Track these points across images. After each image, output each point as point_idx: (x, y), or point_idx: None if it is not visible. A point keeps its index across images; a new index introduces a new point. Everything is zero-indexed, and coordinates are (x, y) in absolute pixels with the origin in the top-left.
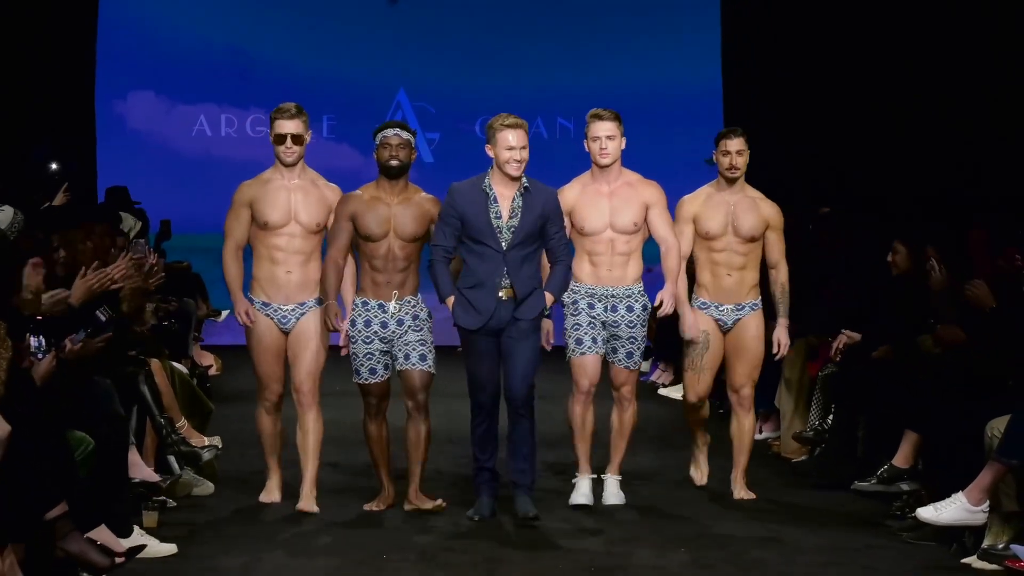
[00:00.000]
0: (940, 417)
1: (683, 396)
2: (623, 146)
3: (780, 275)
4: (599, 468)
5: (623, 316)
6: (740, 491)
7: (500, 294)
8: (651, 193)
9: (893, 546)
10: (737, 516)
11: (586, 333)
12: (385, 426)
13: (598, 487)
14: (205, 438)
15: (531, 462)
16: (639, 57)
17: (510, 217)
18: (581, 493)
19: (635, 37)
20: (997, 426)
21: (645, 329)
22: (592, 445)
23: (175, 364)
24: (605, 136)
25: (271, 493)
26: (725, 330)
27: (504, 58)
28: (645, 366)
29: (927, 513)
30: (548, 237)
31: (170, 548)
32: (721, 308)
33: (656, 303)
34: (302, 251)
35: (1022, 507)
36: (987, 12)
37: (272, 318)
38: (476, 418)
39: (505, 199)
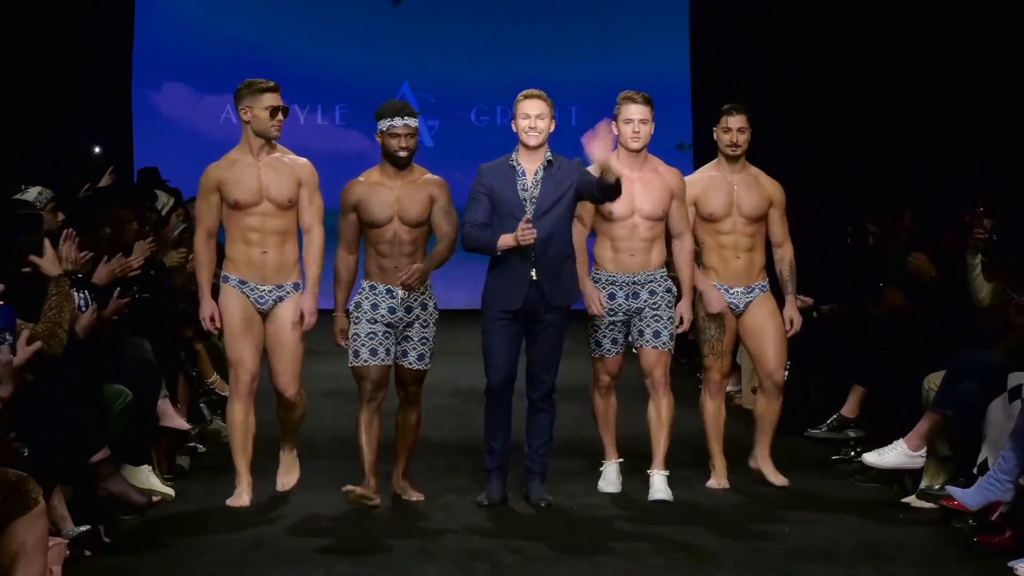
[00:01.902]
0: (883, 372)
1: (705, 380)
2: (652, 131)
3: (786, 253)
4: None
5: (646, 300)
6: (772, 474)
7: (532, 274)
8: (676, 182)
9: (841, 487)
10: (701, 462)
11: (606, 336)
12: (377, 420)
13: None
14: None
15: (548, 453)
16: (616, 47)
17: (532, 195)
18: (608, 481)
19: (611, 30)
20: (933, 380)
21: (672, 311)
22: (616, 431)
23: None
24: (639, 119)
25: (239, 497)
26: (736, 313)
27: (494, 53)
28: None
29: (871, 457)
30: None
31: (169, 491)
32: (732, 291)
33: (676, 320)
34: (277, 231)
35: (955, 452)
36: (987, 11)
37: (249, 297)
38: (489, 401)
39: (530, 173)
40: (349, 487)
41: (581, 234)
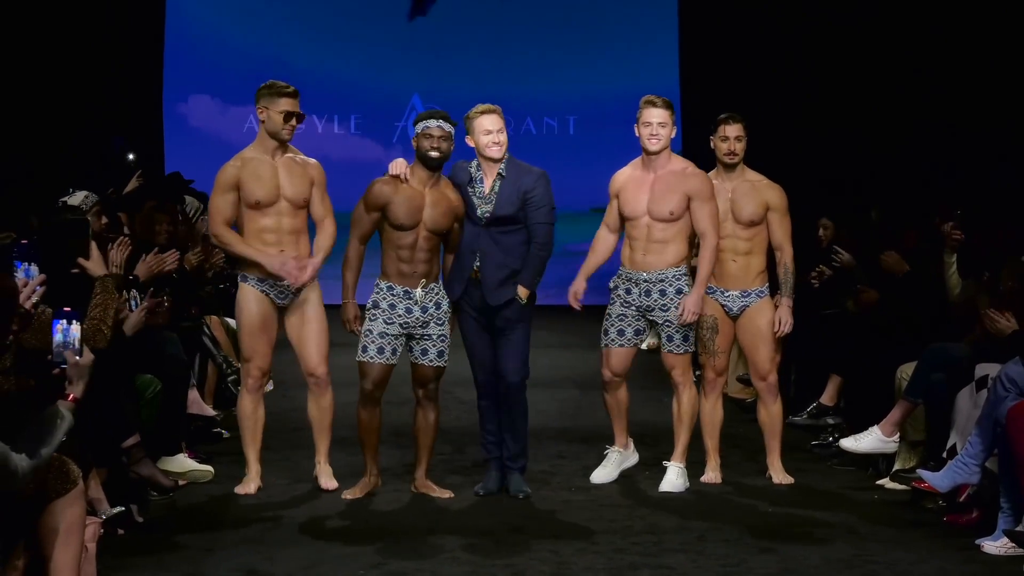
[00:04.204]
0: (859, 363)
1: (702, 375)
2: (673, 134)
3: (784, 256)
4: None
5: (656, 301)
6: (779, 476)
7: (472, 275)
8: (695, 184)
9: (820, 470)
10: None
11: (613, 325)
12: (378, 413)
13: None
14: None
15: (523, 446)
16: (611, 62)
17: (486, 202)
18: (597, 475)
19: (606, 47)
20: (905, 371)
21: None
22: (625, 421)
23: (228, 320)
24: (657, 123)
25: (247, 485)
26: (731, 316)
27: (499, 68)
28: None
29: (848, 443)
30: (528, 220)
31: (207, 469)
32: (726, 294)
33: (680, 310)
34: (292, 230)
35: (926, 438)
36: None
37: (269, 294)
38: (479, 393)
39: (487, 183)
40: (348, 496)
41: (608, 239)
